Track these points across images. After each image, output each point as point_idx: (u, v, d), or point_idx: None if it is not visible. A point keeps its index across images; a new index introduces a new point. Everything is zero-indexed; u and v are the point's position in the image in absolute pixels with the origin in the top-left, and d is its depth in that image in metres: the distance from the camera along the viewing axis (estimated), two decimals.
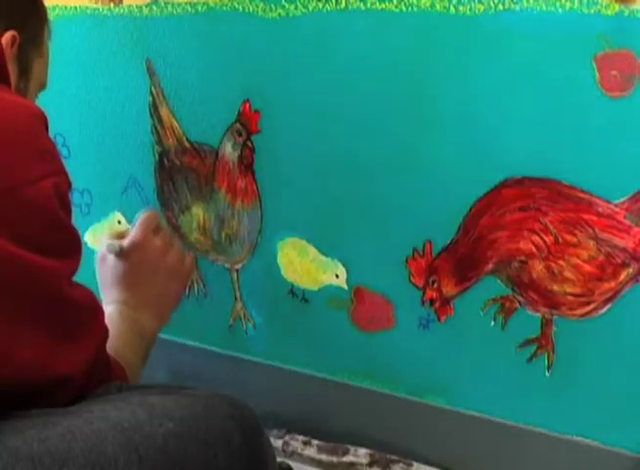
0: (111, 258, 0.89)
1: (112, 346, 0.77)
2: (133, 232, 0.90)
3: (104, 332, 0.72)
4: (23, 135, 0.63)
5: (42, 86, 0.85)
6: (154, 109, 1.04)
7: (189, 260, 0.96)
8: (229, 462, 0.64)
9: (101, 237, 0.97)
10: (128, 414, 0.62)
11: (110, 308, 0.87)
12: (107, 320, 0.78)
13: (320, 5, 0.87)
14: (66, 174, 0.67)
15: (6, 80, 0.71)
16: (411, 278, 0.92)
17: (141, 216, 0.92)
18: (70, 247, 0.67)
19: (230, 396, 0.70)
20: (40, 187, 0.62)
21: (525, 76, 0.80)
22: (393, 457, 0.97)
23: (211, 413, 0.65)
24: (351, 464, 0.98)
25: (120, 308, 0.87)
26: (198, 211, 1.05)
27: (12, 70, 0.75)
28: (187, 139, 1.03)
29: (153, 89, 1.03)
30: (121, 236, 0.92)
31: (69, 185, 0.68)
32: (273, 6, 0.90)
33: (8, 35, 0.76)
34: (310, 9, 0.88)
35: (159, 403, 0.64)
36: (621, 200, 0.79)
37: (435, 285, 0.90)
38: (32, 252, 0.61)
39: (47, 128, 0.68)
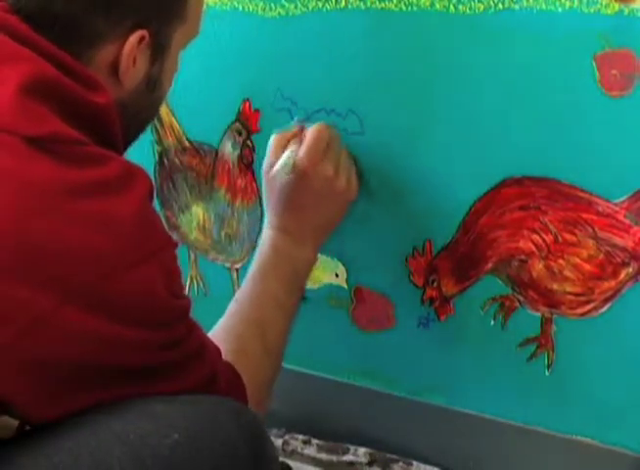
0: (278, 177, 0.86)
1: (265, 292, 0.83)
2: (302, 153, 0.85)
3: (205, 375, 0.71)
4: (126, 224, 0.61)
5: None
6: None
7: (355, 181, 0.90)
8: None
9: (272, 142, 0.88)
10: (134, 425, 0.61)
11: (267, 240, 0.87)
12: (261, 259, 0.85)
13: (320, 4, 0.88)
14: (169, 244, 0.66)
15: (114, 145, 0.67)
16: (411, 277, 0.92)
17: (312, 133, 0.86)
18: (172, 319, 0.66)
19: (234, 402, 0.69)
20: (142, 271, 0.61)
21: (524, 75, 0.80)
22: (393, 456, 0.97)
23: (216, 422, 0.65)
24: (351, 463, 0.98)
25: (277, 242, 0.86)
26: (197, 211, 1.05)
27: (136, 73, 0.70)
28: (187, 138, 1.03)
29: None
30: (289, 139, 0.87)
31: (175, 250, 0.66)
32: (273, 5, 0.90)
33: (135, 37, 0.67)
34: (310, 8, 0.88)
35: (163, 413, 0.63)
36: (621, 199, 0.79)
37: (435, 284, 0.90)
38: (127, 326, 0.61)
39: (152, 196, 0.65)
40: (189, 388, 0.68)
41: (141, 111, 0.74)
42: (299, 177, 0.85)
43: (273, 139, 0.89)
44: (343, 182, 0.87)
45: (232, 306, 0.85)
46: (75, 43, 0.66)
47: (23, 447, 0.59)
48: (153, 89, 0.73)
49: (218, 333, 0.81)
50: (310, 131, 0.86)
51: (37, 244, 0.57)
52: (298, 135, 0.88)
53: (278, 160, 0.87)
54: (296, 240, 0.87)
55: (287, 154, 0.86)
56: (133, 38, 0.67)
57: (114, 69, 0.68)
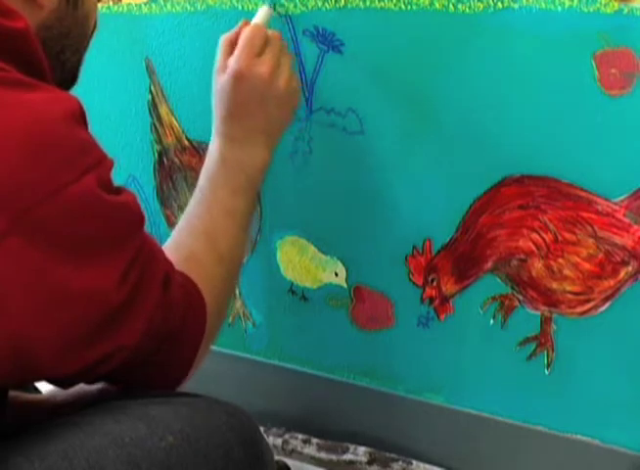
0: (219, 83, 0.84)
1: (215, 198, 0.80)
2: (235, 58, 0.83)
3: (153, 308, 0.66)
4: (52, 138, 0.59)
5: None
6: (153, 107, 1.04)
7: (296, 80, 0.87)
8: None
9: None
10: (129, 428, 0.61)
11: (214, 150, 0.84)
12: (209, 169, 0.83)
13: (319, 3, 0.87)
14: (105, 160, 0.63)
15: (41, 75, 0.65)
16: (410, 276, 0.92)
17: (245, 33, 0.84)
18: (127, 225, 0.64)
19: (230, 404, 0.69)
20: (80, 185, 0.59)
21: (524, 75, 0.80)
22: (393, 456, 0.97)
23: (211, 424, 0.65)
24: (351, 462, 0.98)
25: (224, 151, 0.84)
26: None
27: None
28: (186, 137, 1.03)
29: (152, 88, 1.03)
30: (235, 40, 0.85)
31: (111, 167, 0.64)
32: (272, 4, 0.90)
33: None
34: (310, 7, 0.88)
35: (158, 415, 0.63)
36: (621, 198, 0.79)
37: (435, 283, 0.90)
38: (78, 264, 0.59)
39: (81, 118, 0.64)
40: (153, 302, 0.65)
41: (70, 29, 0.73)
42: (235, 79, 0.82)
43: (221, 41, 0.86)
44: (281, 83, 0.84)
45: (181, 221, 0.82)
46: None
47: (18, 449, 0.59)
48: (75, 5, 0.72)
49: (168, 245, 0.79)
50: (244, 32, 0.84)
51: None
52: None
53: (224, 63, 0.84)
54: (243, 145, 0.84)
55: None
56: None
57: None
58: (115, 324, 0.62)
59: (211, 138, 0.86)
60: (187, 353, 0.72)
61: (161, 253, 0.70)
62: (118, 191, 0.64)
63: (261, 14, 0.88)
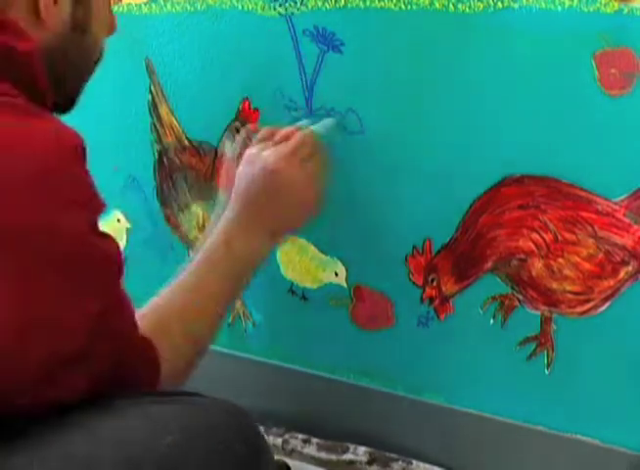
0: (254, 167, 0.85)
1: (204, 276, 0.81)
2: (281, 154, 0.84)
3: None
4: (49, 175, 0.61)
5: (109, 28, 0.79)
6: (153, 107, 1.04)
7: (321, 199, 0.89)
8: None
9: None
10: (128, 428, 0.61)
11: (222, 233, 0.84)
12: (210, 252, 0.82)
13: (319, 3, 0.88)
14: (96, 201, 0.65)
15: (42, 101, 0.66)
16: (410, 276, 0.92)
17: (298, 136, 0.86)
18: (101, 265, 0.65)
19: (229, 403, 0.69)
20: (71, 224, 0.61)
21: (524, 74, 0.80)
22: (393, 455, 0.97)
23: (211, 424, 0.65)
24: (351, 462, 0.98)
25: (231, 238, 0.84)
26: (197, 210, 1.05)
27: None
28: (186, 137, 1.03)
29: (152, 88, 1.03)
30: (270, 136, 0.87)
31: (103, 209, 0.66)
32: (272, 4, 0.90)
33: None
34: (310, 7, 0.88)
35: (158, 415, 0.63)
36: (621, 198, 0.79)
37: (435, 283, 0.90)
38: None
39: (82, 155, 0.65)
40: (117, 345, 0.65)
41: (72, 52, 0.74)
42: (271, 178, 0.84)
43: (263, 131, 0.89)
44: (312, 196, 0.87)
45: (165, 291, 0.82)
46: None
47: (19, 449, 0.59)
48: (82, 33, 0.73)
49: (143, 310, 0.79)
50: (298, 135, 0.86)
51: None
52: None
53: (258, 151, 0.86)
54: (250, 238, 0.84)
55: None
56: None
57: (35, 8, 0.68)
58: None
59: (222, 219, 0.86)
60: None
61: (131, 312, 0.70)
62: (101, 234, 0.65)
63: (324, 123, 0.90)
